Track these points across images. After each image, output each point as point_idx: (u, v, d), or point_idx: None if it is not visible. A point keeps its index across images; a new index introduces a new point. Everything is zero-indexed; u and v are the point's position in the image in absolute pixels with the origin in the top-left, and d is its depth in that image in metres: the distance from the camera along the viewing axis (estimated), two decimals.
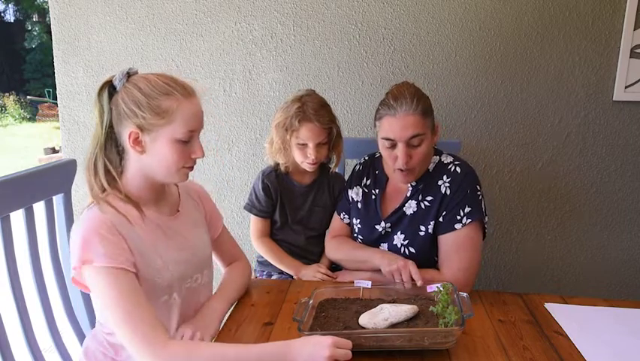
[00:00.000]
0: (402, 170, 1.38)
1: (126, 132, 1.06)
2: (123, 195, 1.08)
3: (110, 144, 1.08)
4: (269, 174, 1.66)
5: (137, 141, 1.06)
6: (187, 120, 1.07)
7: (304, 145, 1.56)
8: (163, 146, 1.07)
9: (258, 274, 1.76)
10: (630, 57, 1.87)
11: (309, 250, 1.70)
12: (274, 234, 1.71)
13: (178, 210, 1.20)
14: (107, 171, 1.08)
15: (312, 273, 1.59)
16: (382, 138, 1.39)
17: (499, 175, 2.01)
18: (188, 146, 1.09)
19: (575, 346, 1.14)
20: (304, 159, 1.58)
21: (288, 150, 1.59)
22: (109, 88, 1.07)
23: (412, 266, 1.31)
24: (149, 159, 1.08)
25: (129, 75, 1.07)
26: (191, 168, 1.13)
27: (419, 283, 1.28)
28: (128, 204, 1.08)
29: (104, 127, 1.07)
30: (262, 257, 1.73)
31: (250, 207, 1.68)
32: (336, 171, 1.74)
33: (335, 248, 1.60)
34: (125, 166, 1.10)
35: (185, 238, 1.17)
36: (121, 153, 1.10)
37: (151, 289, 1.07)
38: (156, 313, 1.08)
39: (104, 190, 1.07)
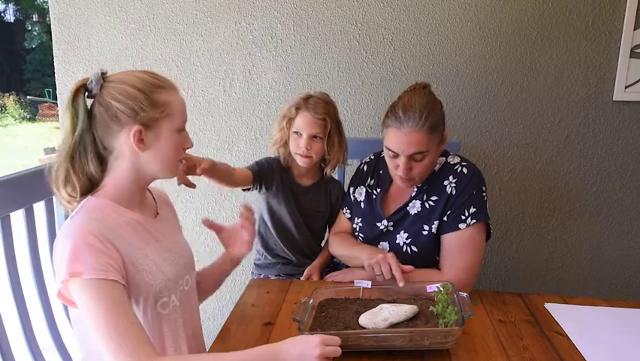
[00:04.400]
0: (402, 178, 1.40)
1: (127, 132, 1.02)
2: (111, 198, 1.06)
3: (84, 150, 1.03)
4: (275, 158, 1.69)
5: (140, 139, 1.03)
6: (182, 111, 1.09)
7: (299, 135, 1.58)
8: (166, 140, 1.06)
9: (255, 277, 1.75)
10: (630, 57, 1.87)
11: (305, 246, 1.71)
12: (269, 227, 1.69)
13: (158, 213, 1.18)
14: (81, 178, 1.03)
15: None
16: (386, 147, 1.40)
17: (499, 175, 2.01)
18: (180, 137, 1.10)
19: (575, 346, 1.14)
20: (296, 150, 1.59)
21: (285, 139, 1.62)
22: (84, 92, 1.03)
23: (391, 259, 1.30)
24: (149, 155, 1.06)
25: (104, 75, 1.04)
26: (182, 162, 1.14)
27: (400, 281, 1.26)
28: (116, 208, 1.06)
29: (76, 133, 1.02)
30: (259, 260, 1.73)
31: (253, 164, 1.67)
32: (334, 177, 1.74)
33: (337, 244, 1.60)
34: (110, 170, 1.06)
35: (169, 240, 1.16)
36: (104, 156, 1.06)
37: (149, 293, 1.06)
38: (151, 327, 1.07)
39: (78, 197, 1.03)
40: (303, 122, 1.58)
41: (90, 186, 1.05)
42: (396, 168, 1.39)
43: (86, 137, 1.03)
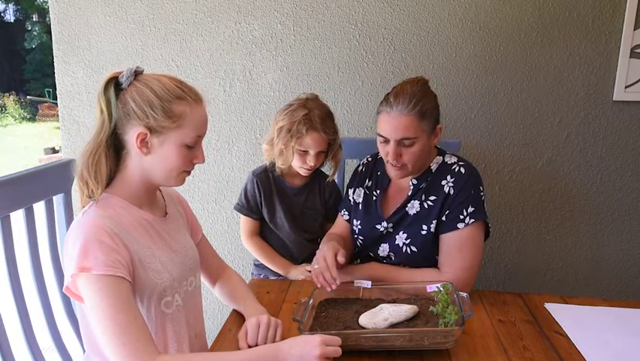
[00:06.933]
0: (392, 165, 1.41)
1: (133, 132, 1.04)
2: (122, 195, 1.08)
3: (111, 142, 1.06)
4: (260, 174, 1.67)
5: (143, 142, 1.04)
6: (197, 126, 1.08)
7: (305, 152, 1.57)
8: (170, 149, 1.06)
9: (255, 277, 1.75)
10: (630, 57, 1.87)
11: (300, 251, 1.70)
12: (265, 234, 1.71)
13: (166, 213, 1.19)
14: (108, 170, 1.06)
15: (299, 272, 1.61)
16: (377, 134, 1.42)
17: (499, 175, 2.01)
18: (192, 151, 1.09)
19: (575, 346, 1.14)
20: (302, 165, 1.59)
21: (289, 154, 1.59)
22: (115, 84, 1.05)
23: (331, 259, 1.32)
24: (152, 160, 1.07)
25: (137, 74, 1.06)
26: (189, 173, 1.13)
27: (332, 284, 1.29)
28: (126, 206, 1.07)
29: (112, 121, 1.04)
30: (259, 260, 1.73)
31: (240, 207, 1.69)
32: (323, 172, 1.74)
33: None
34: (123, 165, 1.09)
35: (176, 240, 1.17)
36: (120, 151, 1.08)
37: (153, 291, 1.06)
38: (155, 325, 1.08)
39: (100, 191, 1.05)
40: (314, 143, 1.55)
41: (109, 180, 1.08)
42: (387, 155, 1.41)
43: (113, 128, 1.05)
